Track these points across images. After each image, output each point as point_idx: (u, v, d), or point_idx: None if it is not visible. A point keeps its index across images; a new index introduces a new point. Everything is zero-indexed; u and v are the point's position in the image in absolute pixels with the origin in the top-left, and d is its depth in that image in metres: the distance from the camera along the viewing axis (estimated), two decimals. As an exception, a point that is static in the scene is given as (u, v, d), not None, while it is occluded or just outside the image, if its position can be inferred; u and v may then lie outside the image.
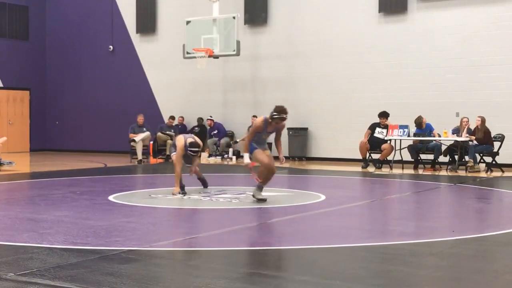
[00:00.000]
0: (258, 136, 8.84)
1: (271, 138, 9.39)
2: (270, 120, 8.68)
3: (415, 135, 14.80)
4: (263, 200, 8.70)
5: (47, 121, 22.72)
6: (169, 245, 5.90)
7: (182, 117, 19.59)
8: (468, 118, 14.41)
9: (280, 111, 8.65)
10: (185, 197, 9.37)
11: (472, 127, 14.49)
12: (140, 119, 17.47)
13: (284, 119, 8.72)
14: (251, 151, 8.81)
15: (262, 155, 8.75)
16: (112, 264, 5.04)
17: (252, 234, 6.69)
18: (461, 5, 15.72)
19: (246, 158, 8.74)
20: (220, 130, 18.58)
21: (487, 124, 14.39)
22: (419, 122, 14.84)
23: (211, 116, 18.68)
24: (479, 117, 14.30)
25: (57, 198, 9.41)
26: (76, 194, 9.83)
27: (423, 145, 14.97)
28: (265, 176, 8.78)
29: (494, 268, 5.20)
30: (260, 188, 8.76)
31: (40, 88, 22.67)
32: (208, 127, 18.74)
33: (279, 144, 9.04)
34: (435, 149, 14.75)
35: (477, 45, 15.46)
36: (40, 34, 22.62)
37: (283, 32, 18.14)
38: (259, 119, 8.81)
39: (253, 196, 8.80)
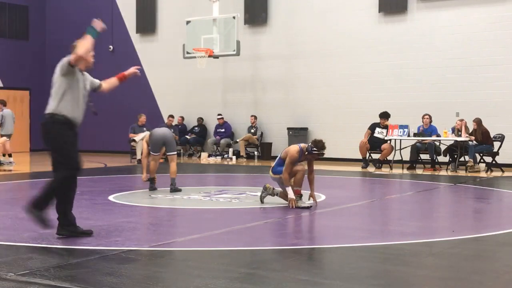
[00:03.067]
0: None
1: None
2: (306, 152, 8.35)
3: (415, 135, 14.81)
4: (308, 208, 8.23)
5: (47, 121, 22.69)
6: (169, 245, 5.90)
7: (181, 117, 19.59)
8: (462, 120, 14.36)
9: (322, 147, 8.31)
10: (185, 197, 9.36)
11: (469, 127, 14.48)
12: (142, 119, 17.44)
13: (323, 155, 8.43)
14: (278, 172, 8.57)
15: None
16: (112, 264, 5.03)
17: (252, 234, 6.69)
18: (461, 5, 15.72)
19: (291, 193, 8.32)
20: (227, 130, 18.60)
21: (487, 124, 14.40)
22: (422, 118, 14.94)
23: (220, 114, 18.68)
24: (474, 121, 14.31)
25: (57, 198, 9.39)
26: (76, 194, 9.80)
27: (422, 145, 14.97)
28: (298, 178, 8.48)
29: (494, 268, 5.20)
30: (300, 196, 8.38)
31: (40, 88, 22.64)
32: (217, 124, 18.69)
33: (312, 179, 8.49)
34: (429, 148, 14.76)
35: (477, 45, 15.47)
36: (40, 34, 22.63)
37: (283, 32, 18.14)
38: (294, 150, 8.42)
39: (297, 206, 8.24)
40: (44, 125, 5.93)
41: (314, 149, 8.31)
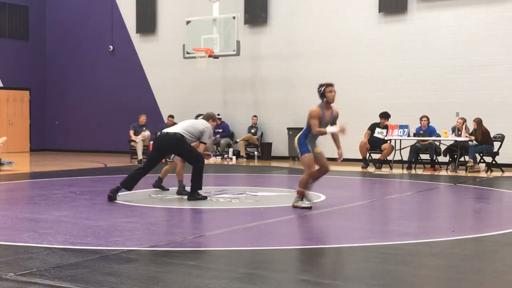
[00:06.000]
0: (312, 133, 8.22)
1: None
2: (323, 100, 8.08)
3: (415, 135, 14.81)
4: (308, 208, 8.11)
5: (47, 121, 22.72)
6: (169, 245, 5.89)
7: (172, 116, 19.52)
8: (464, 119, 14.37)
9: (323, 84, 8.09)
10: (185, 197, 9.33)
11: (470, 127, 14.48)
12: (143, 119, 17.47)
13: (332, 86, 8.09)
14: (302, 152, 8.30)
15: (311, 161, 8.23)
16: (112, 264, 5.04)
17: (252, 234, 6.69)
18: (461, 5, 15.72)
19: (331, 129, 8.13)
20: (225, 130, 18.60)
21: (487, 124, 14.40)
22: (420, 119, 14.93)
23: (218, 114, 18.64)
24: (474, 121, 14.31)
25: (57, 198, 9.41)
26: (76, 194, 9.83)
27: (422, 146, 14.96)
28: (316, 176, 8.32)
29: (494, 268, 5.20)
30: (301, 197, 8.21)
31: (40, 88, 22.67)
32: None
33: (338, 136, 8.33)
34: (429, 149, 14.77)
35: (477, 45, 15.46)
36: (40, 34, 22.63)
37: (283, 32, 18.14)
38: (314, 107, 8.16)
39: (296, 206, 8.14)
40: (178, 140, 8.90)
41: (320, 89, 8.11)
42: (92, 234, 6.35)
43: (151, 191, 10.04)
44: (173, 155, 9.71)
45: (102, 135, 21.43)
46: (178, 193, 9.66)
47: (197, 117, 9.95)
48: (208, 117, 9.46)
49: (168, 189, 10.08)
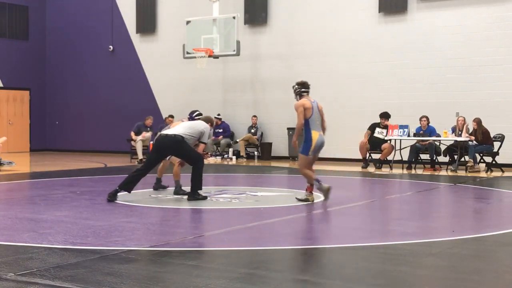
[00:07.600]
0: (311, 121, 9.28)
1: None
2: (297, 97, 9.43)
3: (415, 135, 14.81)
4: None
5: (47, 121, 22.72)
6: (169, 245, 5.90)
7: (172, 116, 19.57)
8: (464, 118, 14.37)
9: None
10: (185, 197, 9.34)
11: (469, 127, 14.47)
12: (150, 122, 17.43)
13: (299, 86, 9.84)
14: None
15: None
16: (112, 264, 5.04)
17: (252, 234, 6.69)
18: (461, 5, 15.72)
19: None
20: (225, 130, 18.58)
21: (487, 124, 14.40)
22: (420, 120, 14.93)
23: (219, 115, 18.62)
24: (474, 120, 14.31)
25: (57, 198, 9.41)
26: (76, 194, 9.83)
27: (422, 146, 14.96)
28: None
29: (494, 268, 5.20)
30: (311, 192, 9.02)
31: (40, 88, 22.68)
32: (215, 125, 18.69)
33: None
34: (429, 149, 14.77)
35: (477, 45, 15.46)
36: (40, 34, 22.63)
37: (283, 32, 18.14)
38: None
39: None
40: (178, 141, 8.92)
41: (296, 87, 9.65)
42: (92, 234, 6.35)
43: (151, 191, 10.04)
44: (169, 156, 9.70)
45: (102, 135, 21.43)
46: (175, 193, 9.67)
47: (191, 113, 9.86)
48: (207, 121, 9.45)
49: (167, 186, 10.11)
